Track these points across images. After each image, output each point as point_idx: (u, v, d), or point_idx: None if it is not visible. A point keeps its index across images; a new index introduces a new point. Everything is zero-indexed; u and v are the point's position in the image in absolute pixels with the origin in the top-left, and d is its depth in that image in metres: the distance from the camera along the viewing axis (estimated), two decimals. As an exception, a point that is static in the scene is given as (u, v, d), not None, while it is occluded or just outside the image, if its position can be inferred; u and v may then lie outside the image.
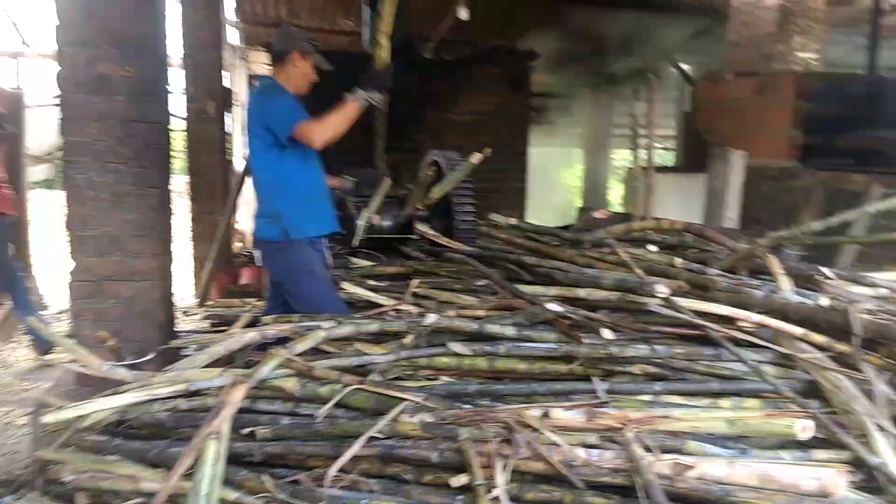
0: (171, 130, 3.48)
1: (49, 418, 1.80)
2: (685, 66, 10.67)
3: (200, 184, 6.61)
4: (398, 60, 7.73)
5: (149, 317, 3.20)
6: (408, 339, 2.08)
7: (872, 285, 2.57)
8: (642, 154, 5.51)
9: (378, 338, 2.28)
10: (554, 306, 2.09)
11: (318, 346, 2.06)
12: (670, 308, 2.03)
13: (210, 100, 6.99)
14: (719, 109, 6.71)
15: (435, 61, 8.11)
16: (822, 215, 5.42)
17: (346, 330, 2.07)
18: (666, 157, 12.66)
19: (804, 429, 1.58)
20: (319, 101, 2.98)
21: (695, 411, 1.79)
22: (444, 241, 3.72)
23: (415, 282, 3.08)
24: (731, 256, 2.65)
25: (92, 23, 3.01)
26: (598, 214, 3.38)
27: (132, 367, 2.05)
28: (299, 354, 1.90)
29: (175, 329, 3.60)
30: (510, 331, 2.08)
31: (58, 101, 3.05)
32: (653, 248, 2.84)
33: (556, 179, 16.66)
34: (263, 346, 2.15)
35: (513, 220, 3.46)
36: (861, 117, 5.55)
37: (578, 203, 12.42)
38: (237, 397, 1.61)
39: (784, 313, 2.11)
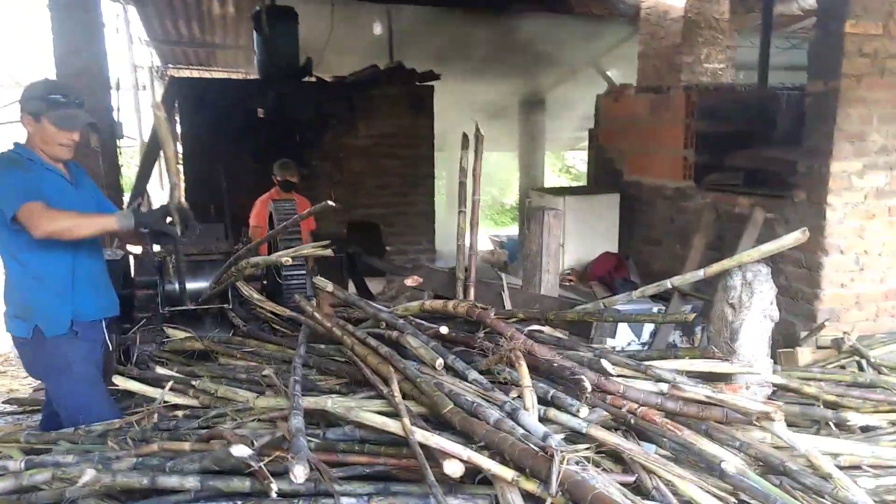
0: None
1: None
2: (612, 75, 10.43)
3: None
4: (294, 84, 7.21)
5: None
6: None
7: (657, 379, 2.20)
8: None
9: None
10: (242, 450, 1.61)
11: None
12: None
13: (92, 132, 6.58)
14: (619, 127, 6.45)
15: (333, 82, 7.72)
16: (713, 239, 5.18)
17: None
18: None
19: None
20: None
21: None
22: (268, 305, 3.35)
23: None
24: (490, 358, 2.24)
25: None
26: (409, 282, 3.02)
27: None
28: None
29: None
30: (191, 482, 1.70)
31: None
32: (445, 330, 2.47)
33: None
34: None
35: (330, 287, 3.07)
36: (752, 133, 5.29)
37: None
38: None
39: (501, 450, 1.70)
